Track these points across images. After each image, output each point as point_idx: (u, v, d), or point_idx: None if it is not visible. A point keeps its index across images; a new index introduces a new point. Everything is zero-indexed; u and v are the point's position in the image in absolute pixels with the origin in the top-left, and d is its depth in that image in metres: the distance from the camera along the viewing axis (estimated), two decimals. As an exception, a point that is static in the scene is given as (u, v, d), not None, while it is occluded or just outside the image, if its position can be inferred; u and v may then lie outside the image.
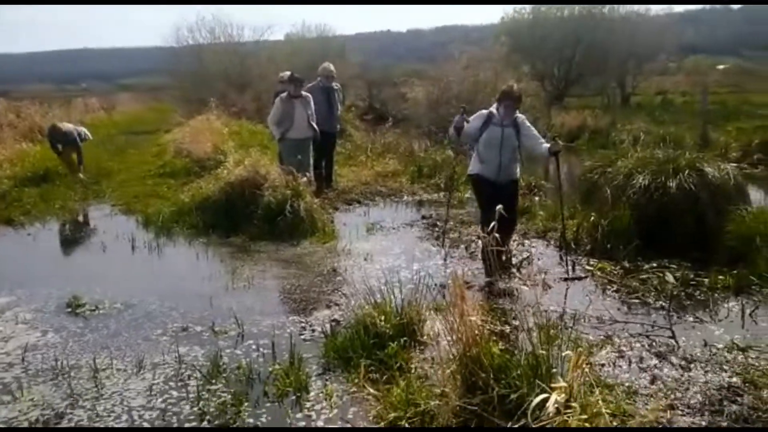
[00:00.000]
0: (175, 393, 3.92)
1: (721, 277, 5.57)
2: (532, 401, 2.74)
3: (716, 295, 5.34)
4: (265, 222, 7.64)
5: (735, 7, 65.79)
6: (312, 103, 9.22)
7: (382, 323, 4.37)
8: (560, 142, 5.85)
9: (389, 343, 4.21)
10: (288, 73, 9.83)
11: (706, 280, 5.61)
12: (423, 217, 8.50)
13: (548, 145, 6.10)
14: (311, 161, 9.25)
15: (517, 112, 6.21)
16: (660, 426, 3.14)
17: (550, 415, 2.66)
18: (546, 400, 2.75)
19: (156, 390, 3.95)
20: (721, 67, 42.34)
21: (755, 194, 8.37)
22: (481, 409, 3.07)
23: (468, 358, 3.26)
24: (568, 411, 3.10)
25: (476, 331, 3.31)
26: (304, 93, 9.24)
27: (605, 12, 28.02)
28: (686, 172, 6.79)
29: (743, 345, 4.28)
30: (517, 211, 6.63)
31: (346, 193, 9.98)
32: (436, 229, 7.79)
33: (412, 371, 3.87)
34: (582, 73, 27.85)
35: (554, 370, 3.22)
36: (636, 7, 28.71)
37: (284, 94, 9.15)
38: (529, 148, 6.26)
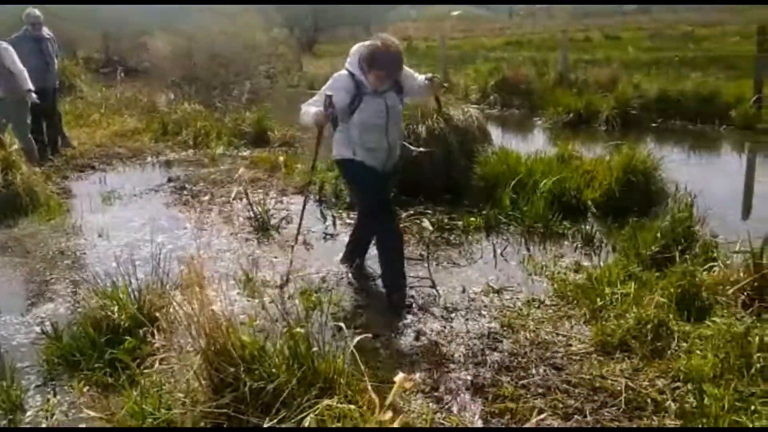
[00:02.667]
0: None
1: (472, 218, 5.67)
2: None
3: (470, 237, 5.42)
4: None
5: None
6: (12, 55, 7.58)
7: (116, 314, 3.69)
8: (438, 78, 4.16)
9: (126, 337, 3.57)
10: None
11: (460, 222, 5.69)
12: (169, 180, 7.66)
13: (424, 77, 4.18)
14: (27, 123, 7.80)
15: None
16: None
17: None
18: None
19: None
20: (454, 13, 45.43)
21: (495, 134, 8.81)
22: (232, 409, 2.62)
23: (212, 352, 2.77)
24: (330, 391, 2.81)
25: (221, 321, 2.81)
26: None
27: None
28: (434, 116, 6.83)
29: (498, 287, 4.33)
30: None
31: (77, 159, 8.70)
32: (185, 192, 7.06)
33: (153, 369, 3.27)
34: (329, 22, 27.88)
35: (314, 349, 2.88)
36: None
37: None
38: (413, 93, 4.33)
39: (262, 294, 4.21)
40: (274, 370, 2.80)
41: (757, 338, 2.99)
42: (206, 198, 6.79)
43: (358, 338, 2.92)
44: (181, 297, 3.54)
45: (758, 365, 2.87)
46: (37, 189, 6.57)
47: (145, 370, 3.20)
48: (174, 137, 9.98)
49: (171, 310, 3.73)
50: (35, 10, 8.33)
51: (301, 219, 4.87)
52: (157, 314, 3.75)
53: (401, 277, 4.25)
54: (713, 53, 16.21)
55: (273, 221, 5.85)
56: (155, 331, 3.57)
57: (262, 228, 5.70)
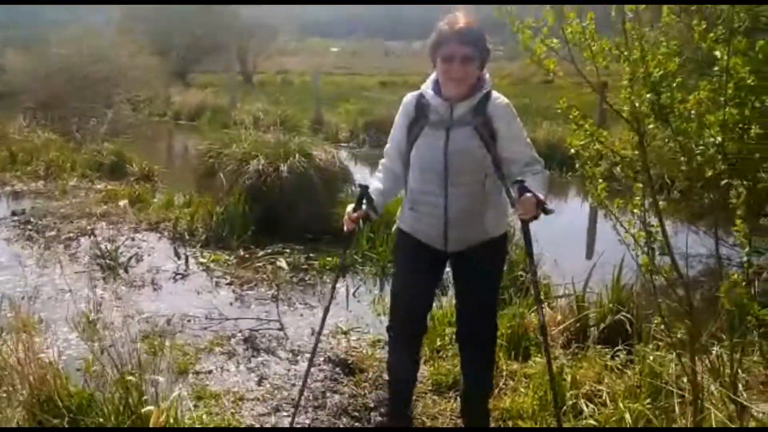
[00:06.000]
0: None
1: (329, 258, 5.76)
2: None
3: (325, 277, 5.50)
4: None
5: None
6: None
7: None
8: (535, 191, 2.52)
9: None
10: None
11: (317, 262, 5.76)
12: (14, 213, 7.20)
13: (524, 184, 2.55)
14: None
15: (489, 89, 2.73)
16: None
17: None
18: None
19: None
20: (334, 49, 46.19)
21: (361, 173, 9.00)
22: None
23: (36, 403, 2.65)
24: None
25: (47, 369, 2.71)
26: None
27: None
28: (296, 156, 6.91)
29: (346, 328, 4.43)
30: (494, 313, 3.00)
31: None
32: (29, 227, 6.66)
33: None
34: (204, 50, 27.43)
35: (145, 398, 2.82)
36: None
37: None
38: (509, 178, 2.68)
39: (102, 337, 4.05)
40: (102, 420, 2.72)
41: (569, 377, 3.26)
42: (52, 233, 6.44)
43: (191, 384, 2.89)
44: (7, 344, 3.37)
45: (570, 402, 3.12)
46: None
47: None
48: (23, 167, 9.40)
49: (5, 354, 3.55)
50: None
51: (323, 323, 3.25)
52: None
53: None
54: (568, 103, 17.50)
55: (122, 259, 5.65)
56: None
57: (110, 267, 5.49)
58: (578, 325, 4.01)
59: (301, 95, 20.24)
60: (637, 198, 2.31)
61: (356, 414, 3.35)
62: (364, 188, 2.82)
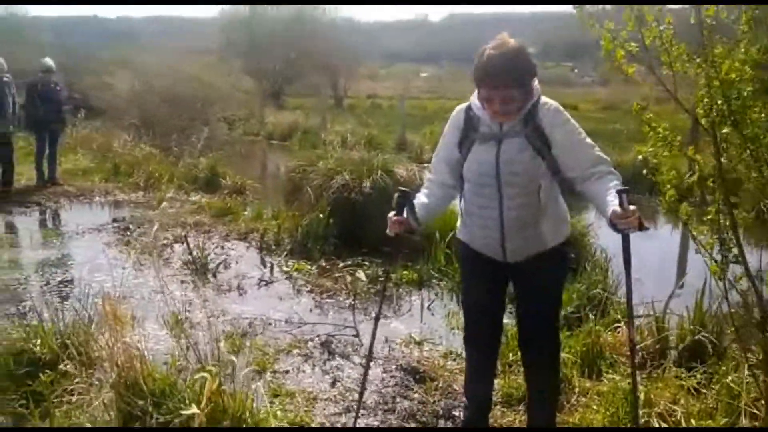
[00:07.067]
0: None
1: (405, 272, 5.85)
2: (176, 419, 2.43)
3: (401, 290, 5.59)
4: None
5: (436, 20, 73.10)
6: None
7: (38, 348, 3.73)
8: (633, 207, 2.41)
9: (47, 370, 3.61)
10: None
11: (394, 275, 5.86)
12: (114, 220, 7.72)
13: (614, 200, 2.47)
14: None
15: (538, 96, 2.69)
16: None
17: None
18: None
19: None
20: (423, 74, 46.68)
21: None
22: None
23: (123, 385, 2.86)
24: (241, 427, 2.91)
25: (134, 353, 2.91)
26: None
27: (316, 14, 28.96)
28: (379, 173, 7.08)
29: (419, 338, 4.49)
30: (555, 322, 2.98)
31: (24, 195, 8.70)
32: (128, 233, 7.12)
33: (67, 403, 3.32)
34: (298, 73, 28.41)
35: (223, 387, 2.98)
36: (346, 13, 30.22)
37: None
38: (575, 183, 2.72)
39: (188, 335, 4.29)
40: (182, 405, 2.89)
41: (643, 395, 3.19)
42: (148, 240, 6.85)
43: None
44: (101, 333, 3.63)
45: (642, 419, 3.06)
46: (-23, 221, 6.58)
47: (60, 403, 3.25)
48: (125, 178, 10.06)
49: (93, 345, 3.82)
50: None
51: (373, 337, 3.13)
52: (80, 350, 3.84)
53: None
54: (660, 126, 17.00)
55: (211, 265, 5.94)
56: (75, 366, 3.65)
57: (199, 272, 5.79)
58: (657, 346, 3.91)
59: (389, 118, 20.58)
60: (711, 208, 2.28)
61: (424, 419, 3.40)
62: (402, 193, 2.80)
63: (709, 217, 2.31)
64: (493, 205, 2.73)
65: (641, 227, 2.45)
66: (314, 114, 19.60)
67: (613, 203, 2.45)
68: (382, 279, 5.81)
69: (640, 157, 2.45)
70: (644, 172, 2.50)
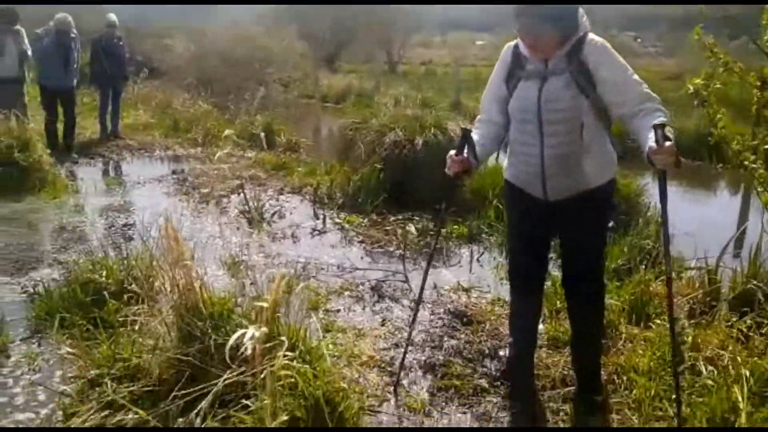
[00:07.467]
0: None
1: (456, 226, 5.90)
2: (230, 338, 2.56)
3: (451, 243, 5.65)
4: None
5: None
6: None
7: (104, 279, 3.95)
8: (670, 136, 2.40)
9: (112, 300, 3.82)
10: None
11: (444, 230, 5.92)
12: (174, 172, 7.98)
13: (652, 136, 2.42)
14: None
15: (585, 32, 2.68)
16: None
17: (248, 349, 2.52)
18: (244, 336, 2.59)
19: None
20: (479, 42, 45.96)
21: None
22: (197, 359, 2.86)
23: (184, 307, 3.01)
24: (290, 353, 3.03)
25: (193, 276, 3.06)
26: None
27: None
28: (432, 129, 7.10)
29: (467, 286, 4.55)
30: (598, 261, 2.99)
31: (89, 147, 9.06)
32: (187, 184, 7.35)
33: (131, 327, 3.52)
34: (352, 38, 28.33)
35: (278, 315, 3.11)
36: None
37: None
38: (623, 121, 2.68)
39: (245, 276, 4.46)
40: (239, 329, 3.04)
41: (690, 339, 3.19)
42: (206, 190, 7.07)
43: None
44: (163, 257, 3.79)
45: (688, 363, 3.07)
46: (48, 169, 6.90)
47: (124, 328, 3.45)
48: (184, 134, 10.33)
49: (156, 275, 4.02)
50: (67, 17, 8.71)
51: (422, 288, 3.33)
52: (143, 282, 4.04)
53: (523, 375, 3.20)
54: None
55: (266, 215, 6.11)
56: (139, 295, 3.85)
57: (255, 220, 5.96)
58: (708, 299, 3.88)
59: (443, 84, 20.42)
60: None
61: (470, 357, 3.48)
62: (466, 131, 2.85)
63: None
64: (534, 142, 2.75)
65: (677, 164, 2.41)
66: (368, 78, 19.62)
67: (651, 139, 2.42)
68: (432, 233, 5.89)
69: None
70: (709, 134, 2.45)
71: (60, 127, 8.64)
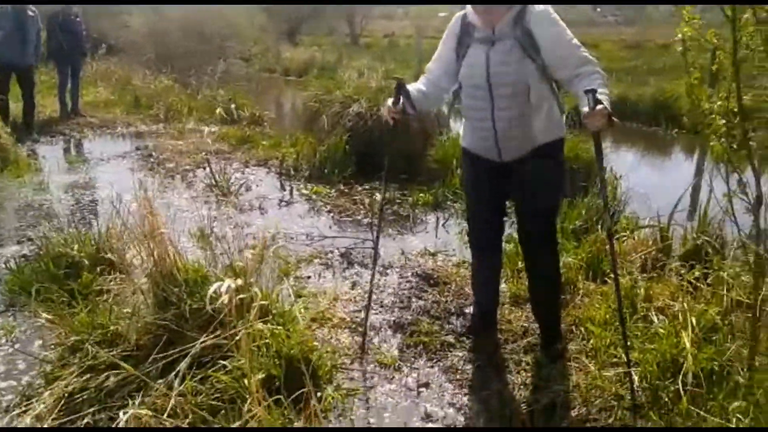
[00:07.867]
0: None
1: (422, 194, 6.04)
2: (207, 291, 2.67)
3: (417, 210, 5.79)
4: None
5: (452, -41, 70.94)
6: None
7: (76, 252, 3.99)
8: (601, 99, 2.54)
9: (85, 273, 3.87)
10: None
11: (410, 198, 6.06)
12: (137, 148, 7.95)
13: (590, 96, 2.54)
14: None
15: None
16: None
17: (225, 302, 2.63)
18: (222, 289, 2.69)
19: None
20: (441, 14, 45.88)
21: (455, 123, 9.16)
22: (174, 324, 2.95)
23: (159, 274, 3.10)
24: (267, 318, 3.15)
25: (167, 245, 3.15)
26: None
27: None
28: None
29: (434, 251, 4.70)
30: (551, 215, 3.18)
31: (50, 125, 8.93)
32: (151, 159, 7.34)
33: (107, 296, 3.59)
34: (314, 12, 28.07)
35: (252, 280, 3.21)
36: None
37: None
38: (564, 84, 2.87)
39: (214, 247, 4.53)
40: (213, 294, 3.13)
41: (642, 291, 3.40)
42: (171, 165, 7.08)
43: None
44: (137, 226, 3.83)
45: (641, 314, 3.27)
46: (8, 148, 6.82)
47: (100, 297, 3.51)
48: (146, 111, 10.24)
49: (132, 251, 4.07)
50: None
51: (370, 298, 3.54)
52: (116, 255, 4.09)
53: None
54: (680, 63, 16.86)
55: (233, 188, 6.16)
56: (113, 269, 3.91)
57: (222, 193, 6.01)
58: (660, 254, 4.09)
59: (406, 55, 20.45)
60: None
61: (437, 315, 3.64)
62: (400, 81, 3.01)
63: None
64: (486, 106, 2.89)
65: (610, 124, 2.56)
66: (331, 51, 19.54)
67: (585, 104, 2.57)
68: (398, 201, 6.02)
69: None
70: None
71: (19, 105, 8.49)
